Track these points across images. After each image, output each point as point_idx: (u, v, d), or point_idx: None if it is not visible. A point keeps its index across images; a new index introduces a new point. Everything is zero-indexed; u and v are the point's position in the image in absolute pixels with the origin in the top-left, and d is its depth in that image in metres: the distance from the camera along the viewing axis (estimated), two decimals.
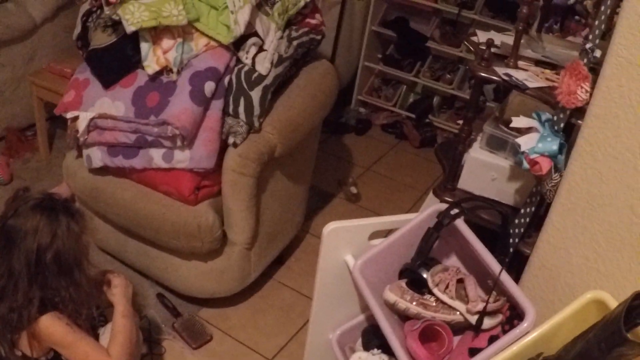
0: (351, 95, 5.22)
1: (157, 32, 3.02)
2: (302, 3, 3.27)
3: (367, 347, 2.39)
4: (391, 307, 2.15)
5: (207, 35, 3.03)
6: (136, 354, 2.77)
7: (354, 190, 4.32)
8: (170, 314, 3.41)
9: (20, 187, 2.56)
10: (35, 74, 4.37)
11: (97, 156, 3.18)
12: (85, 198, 3.29)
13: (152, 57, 3.02)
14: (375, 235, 2.26)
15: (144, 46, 3.02)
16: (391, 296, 2.12)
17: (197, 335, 3.30)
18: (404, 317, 2.20)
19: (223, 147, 3.05)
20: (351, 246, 2.24)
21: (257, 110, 3.00)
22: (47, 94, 4.29)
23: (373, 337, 2.40)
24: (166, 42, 3.01)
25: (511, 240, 2.43)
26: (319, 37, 3.41)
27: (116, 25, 3.13)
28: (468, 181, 2.73)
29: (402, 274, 2.25)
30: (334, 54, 4.77)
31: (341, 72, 4.39)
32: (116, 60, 3.14)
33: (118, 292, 2.68)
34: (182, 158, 2.99)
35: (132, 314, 2.68)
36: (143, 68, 3.07)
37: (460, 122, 3.70)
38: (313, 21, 3.39)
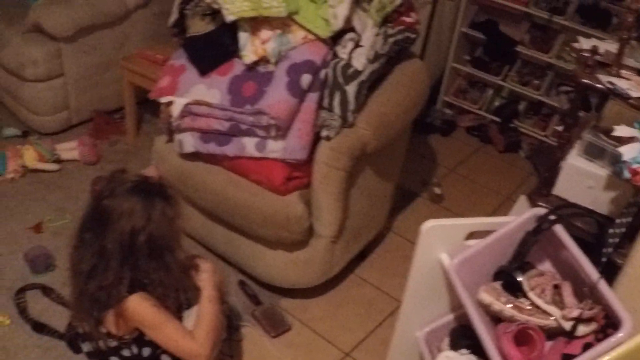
0: (437, 96, 5.20)
1: (256, 23, 3.05)
2: (398, 1, 3.26)
3: (454, 347, 2.38)
4: (485, 308, 2.14)
5: (305, 28, 3.05)
6: (220, 337, 2.80)
7: (437, 191, 4.31)
8: (250, 301, 3.46)
9: (117, 169, 2.60)
10: (127, 59, 4.45)
11: (190, 142, 3.22)
12: (175, 183, 3.32)
13: (250, 47, 3.05)
14: (471, 236, 2.25)
15: (243, 36, 3.06)
16: (486, 297, 2.11)
17: (277, 324, 3.34)
18: (495, 319, 2.19)
19: (315, 140, 3.07)
20: (447, 245, 2.24)
21: (352, 105, 3.01)
22: (138, 78, 4.37)
23: (461, 337, 2.39)
24: (265, 33, 3.04)
25: (604, 250, 2.40)
26: (413, 36, 3.41)
27: (215, 13, 3.18)
28: (564, 188, 2.71)
29: (496, 276, 2.24)
30: (423, 53, 4.75)
31: (429, 72, 4.39)
32: (213, 49, 3.18)
33: (206, 278, 2.70)
34: (275, 148, 3.02)
35: (218, 299, 2.70)
36: (240, 57, 3.11)
37: (547, 128, 3.68)
38: (408, 19, 3.38)
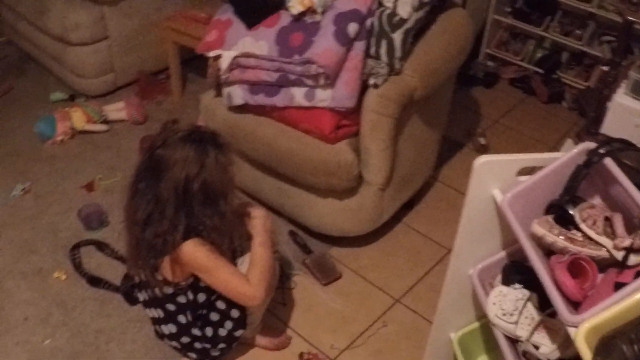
0: (479, 49, 5.19)
1: None
2: None
3: (507, 283, 2.40)
4: (538, 241, 2.16)
5: None
6: (273, 284, 2.86)
7: (482, 141, 4.32)
8: (301, 251, 3.52)
9: (169, 120, 2.66)
10: (170, 19, 4.49)
11: (238, 94, 3.27)
12: (225, 135, 3.36)
13: None
14: (522, 172, 2.27)
15: None
16: (539, 229, 2.13)
17: (327, 272, 3.40)
18: (547, 252, 2.21)
19: (363, 88, 3.10)
20: (499, 181, 2.25)
21: (398, 52, 3.03)
22: (182, 37, 4.42)
23: (514, 272, 2.42)
24: None
25: None
26: None
27: None
28: (611, 127, 2.71)
29: (548, 210, 2.26)
30: (464, 3, 4.74)
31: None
32: (260, 1, 3.21)
33: (257, 224, 2.75)
34: (324, 97, 3.05)
35: (270, 244, 2.75)
36: (286, 9, 3.14)
37: (589, 78, 3.67)
38: None
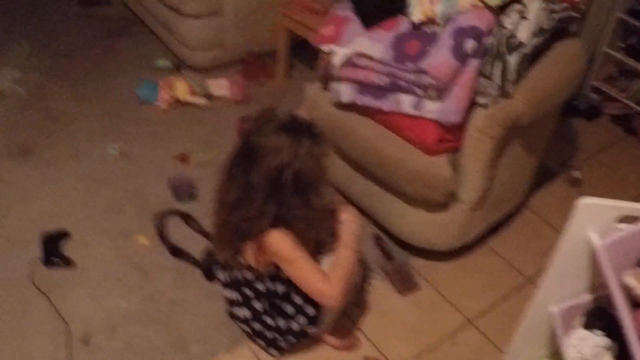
0: (585, 80, 5.11)
1: None
2: None
3: (588, 327, 2.38)
4: (627, 292, 2.14)
5: None
6: (352, 288, 2.86)
7: (577, 174, 4.26)
8: (384, 256, 3.53)
9: (267, 107, 2.66)
10: (285, 4, 4.53)
11: (347, 92, 3.28)
12: (325, 129, 3.37)
13: (419, 7, 3.08)
14: (621, 218, 2.24)
15: None
16: (632, 281, 2.11)
17: (406, 282, 3.40)
18: (634, 304, 2.19)
19: (471, 105, 3.09)
20: (598, 224, 2.23)
21: (512, 75, 3.02)
22: (294, 24, 4.46)
23: (596, 318, 2.39)
24: None
25: None
26: (577, 15, 3.37)
27: None
28: None
29: None
30: (578, 34, 4.69)
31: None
32: (381, 3, 3.21)
33: (347, 227, 2.75)
34: (431, 108, 3.05)
35: (355, 248, 2.74)
36: (406, 15, 3.14)
37: None
38: None
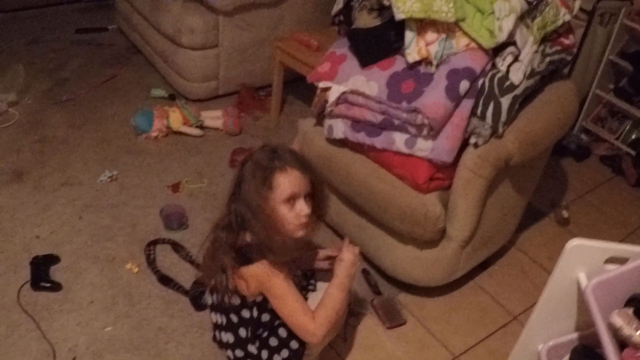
0: (576, 120, 5.17)
1: (422, 24, 3.11)
2: (560, 22, 3.28)
3: None
4: (614, 332, 2.17)
5: (469, 36, 3.10)
6: (337, 327, 2.87)
7: (565, 214, 4.30)
8: (371, 290, 3.55)
9: (266, 143, 2.72)
10: (281, 40, 4.58)
11: (340, 128, 3.32)
12: (318, 165, 3.42)
13: (415, 47, 3.12)
14: (610, 259, 2.28)
15: (409, 35, 3.12)
16: (618, 321, 2.14)
17: (393, 317, 3.42)
18: (621, 344, 2.22)
19: (462, 145, 3.13)
20: (586, 265, 2.27)
21: (504, 116, 3.06)
22: (289, 59, 4.49)
23: (583, 357, 2.43)
24: (430, 35, 3.10)
25: None
26: (569, 58, 3.43)
27: (382, 10, 3.24)
28: None
29: (628, 303, 2.27)
30: (569, 75, 4.75)
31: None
32: (378, 43, 3.25)
33: (342, 266, 2.77)
34: (424, 147, 3.09)
35: (347, 288, 2.76)
36: (402, 55, 3.19)
37: None
38: (566, 41, 3.40)
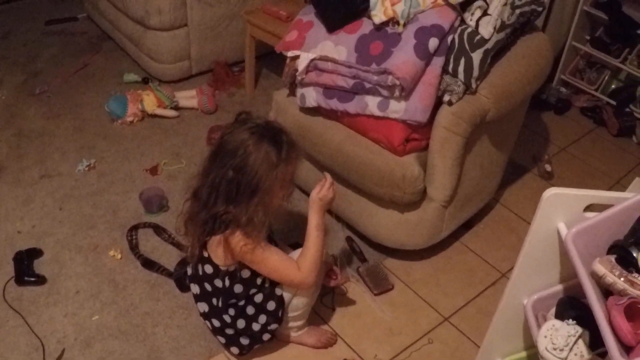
0: (554, 73, 5.14)
1: None
2: None
3: (560, 317, 2.38)
4: (597, 280, 2.14)
5: None
6: (321, 270, 2.89)
7: (548, 168, 4.28)
8: (356, 258, 3.53)
9: (243, 110, 2.74)
10: (251, 13, 4.51)
11: (312, 96, 3.29)
12: (294, 135, 3.37)
13: (381, 8, 3.08)
14: (589, 208, 2.25)
15: None
16: (600, 268, 2.11)
17: (380, 283, 3.40)
18: (605, 292, 2.19)
19: (436, 104, 3.09)
20: (565, 215, 2.24)
21: (476, 71, 3.02)
22: (260, 33, 4.44)
23: (569, 308, 2.40)
24: None
25: None
26: (539, 9, 3.37)
27: None
28: None
29: (611, 250, 2.24)
30: (544, 29, 4.71)
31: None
32: (343, 7, 3.21)
33: (318, 205, 2.76)
34: (397, 108, 3.05)
35: (324, 227, 2.77)
36: (369, 17, 3.15)
37: None
38: None
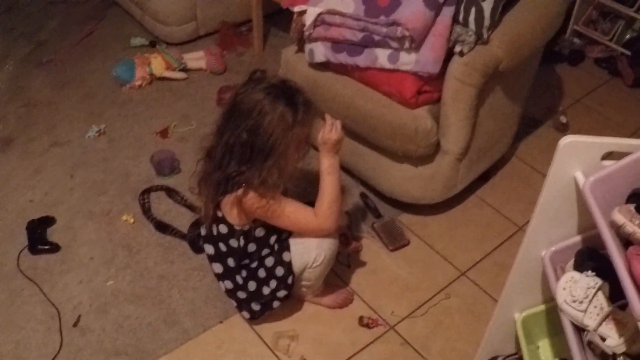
0: (567, 25, 5.06)
1: None
2: None
3: (579, 268, 2.35)
4: (616, 230, 2.10)
5: None
6: (341, 211, 2.90)
7: (563, 119, 4.22)
8: (371, 214, 3.50)
9: (257, 68, 2.67)
10: None
11: (321, 51, 3.23)
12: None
13: None
14: (607, 156, 2.20)
15: None
16: (620, 218, 2.07)
17: (395, 238, 3.38)
18: (625, 242, 2.15)
19: (448, 55, 3.04)
20: (582, 163, 2.19)
21: (487, 21, 2.96)
22: None
23: (587, 259, 2.36)
24: None
25: None
26: None
27: None
28: None
29: (630, 199, 2.20)
30: None
31: None
32: None
33: (327, 148, 2.70)
34: (407, 60, 3.00)
35: (337, 170, 2.73)
36: None
37: None
38: None
